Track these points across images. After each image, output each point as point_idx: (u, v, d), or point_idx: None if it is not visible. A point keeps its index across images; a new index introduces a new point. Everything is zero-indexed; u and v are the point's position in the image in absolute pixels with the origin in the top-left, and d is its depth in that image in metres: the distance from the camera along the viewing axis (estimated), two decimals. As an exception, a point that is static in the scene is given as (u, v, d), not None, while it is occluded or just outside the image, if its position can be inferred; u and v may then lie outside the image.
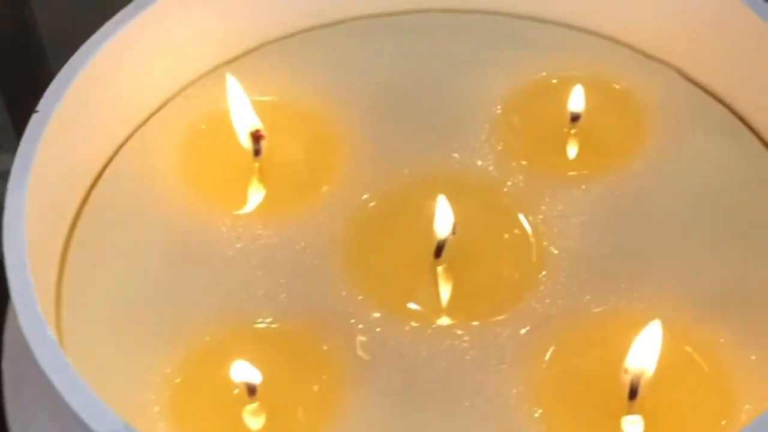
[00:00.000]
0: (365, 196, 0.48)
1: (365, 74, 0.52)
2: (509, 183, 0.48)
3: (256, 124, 0.49)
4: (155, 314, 0.45)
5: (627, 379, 0.41)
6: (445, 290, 0.46)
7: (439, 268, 0.46)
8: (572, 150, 0.50)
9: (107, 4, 0.49)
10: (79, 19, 0.51)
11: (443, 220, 0.46)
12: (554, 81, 0.51)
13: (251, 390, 0.42)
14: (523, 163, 0.49)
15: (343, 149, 0.50)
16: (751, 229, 0.46)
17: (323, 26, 0.54)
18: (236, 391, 0.42)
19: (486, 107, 0.51)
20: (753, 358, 0.42)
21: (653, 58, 0.52)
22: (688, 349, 0.43)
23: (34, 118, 0.44)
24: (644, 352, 0.41)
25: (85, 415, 0.36)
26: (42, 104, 0.45)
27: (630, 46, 0.52)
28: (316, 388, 0.43)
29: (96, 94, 0.48)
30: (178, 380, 0.43)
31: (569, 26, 0.53)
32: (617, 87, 0.51)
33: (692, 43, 0.50)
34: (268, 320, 0.45)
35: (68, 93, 0.46)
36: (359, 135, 0.50)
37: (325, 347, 0.44)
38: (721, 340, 0.43)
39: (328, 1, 0.53)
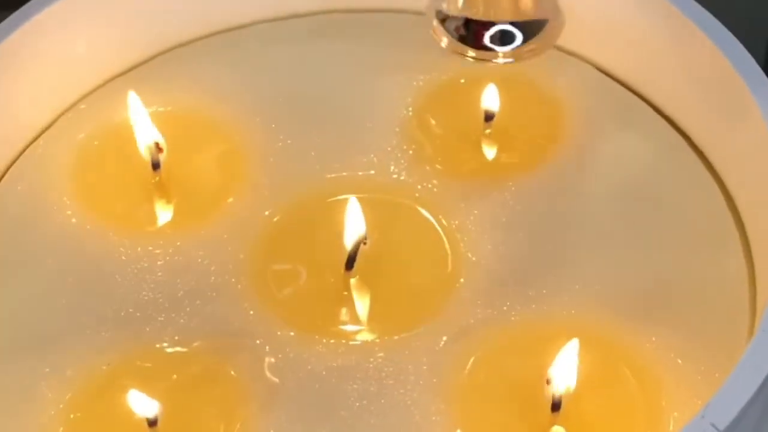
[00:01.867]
0: (272, 209, 0.46)
1: (269, 80, 0.50)
2: (422, 188, 0.46)
3: (156, 136, 0.46)
4: (47, 343, 0.42)
5: (549, 391, 0.39)
6: (359, 304, 0.43)
7: (352, 281, 0.44)
8: (487, 151, 0.48)
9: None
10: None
11: (353, 229, 0.44)
12: (463, 80, 0.49)
13: (152, 422, 0.39)
14: (437, 167, 0.47)
15: (247, 159, 0.47)
16: (670, 226, 0.45)
17: (224, 31, 0.51)
18: (136, 417, 0.39)
19: (395, 110, 0.49)
20: (679, 362, 0.41)
21: (567, 53, 0.50)
22: (612, 356, 0.41)
23: None
24: (566, 366, 0.39)
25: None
26: None
27: (543, 41, 0.50)
28: (223, 415, 0.40)
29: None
30: (72, 416, 0.40)
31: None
32: (531, 84, 0.49)
33: (606, 36, 0.49)
34: (171, 345, 0.42)
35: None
36: (265, 143, 0.48)
37: (232, 372, 0.41)
38: (646, 345, 0.41)
39: (228, 6, 0.51)
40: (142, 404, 0.39)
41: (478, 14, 0.44)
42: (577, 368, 0.39)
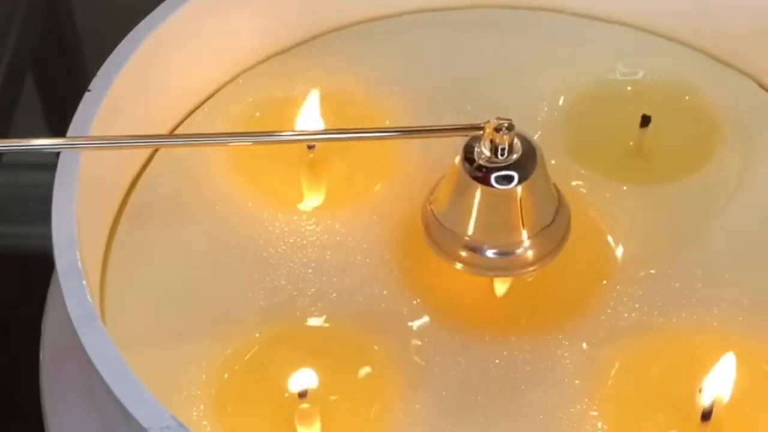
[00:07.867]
0: (422, 196, 0.46)
1: (422, 68, 0.50)
2: (572, 189, 0.46)
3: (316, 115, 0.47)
4: (202, 307, 0.43)
5: (701, 399, 0.39)
6: (507, 298, 0.44)
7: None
8: (637, 156, 0.47)
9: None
10: (117, 13, 0.49)
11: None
12: (618, 83, 0.49)
13: (302, 394, 0.40)
14: (586, 166, 0.47)
15: (398, 146, 0.48)
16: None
17: (382, 18, 0.52)
18: (286, 394, 0.40)
19: (546, 107, 0.49)
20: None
21: (727, 64, 0.50)
22: (764, 368, 0.41)
23: (87, 98, 0.42)
24: (720, 376, 0.39)
25: (135, 411, 0.34)
26: (95, 84, 0.43)
27: (701, 51, 0.50)
28: (368, 392, 0.41)
29: (148, 77, 0.46)
30: (226, 375, 0.41)
31: (635, 27, 0.51)
32: (690, 94, 0.49)
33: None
34: (320, 319, 0.43)
35: (120, 74, 0.44)
36: (416, 131, 0.48)
37: (375, 347, 0.42)
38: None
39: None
40: (300, 378, 0.40)
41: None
42: (732, 379, 0.39)
